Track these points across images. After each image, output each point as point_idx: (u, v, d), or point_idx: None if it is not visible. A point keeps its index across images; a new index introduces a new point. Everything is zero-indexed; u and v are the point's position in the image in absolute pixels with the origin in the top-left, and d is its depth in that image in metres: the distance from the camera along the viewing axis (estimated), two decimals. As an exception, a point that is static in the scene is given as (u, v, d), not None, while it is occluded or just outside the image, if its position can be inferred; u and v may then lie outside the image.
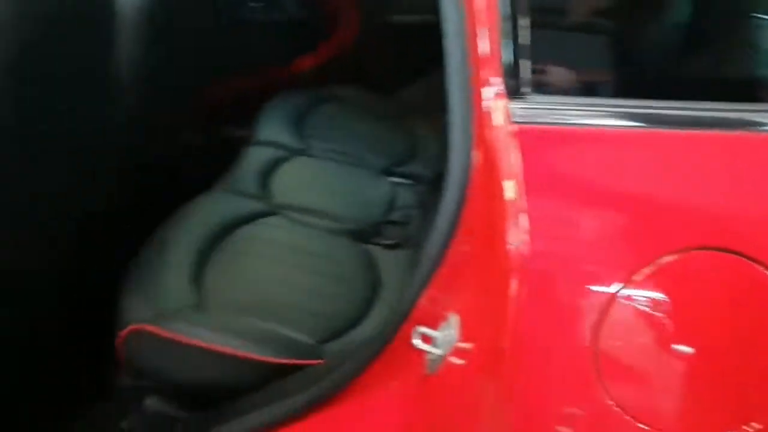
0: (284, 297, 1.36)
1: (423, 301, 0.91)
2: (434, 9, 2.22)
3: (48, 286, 1.38)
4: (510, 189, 0.73)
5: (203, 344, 1.19)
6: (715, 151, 0.78)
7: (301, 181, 1.77)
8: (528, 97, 0.80)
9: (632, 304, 0.69)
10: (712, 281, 0.72)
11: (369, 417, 0.94)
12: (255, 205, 1.61)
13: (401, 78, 2.39)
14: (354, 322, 1.35)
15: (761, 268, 0.71)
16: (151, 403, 1.29)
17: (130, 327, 1.22)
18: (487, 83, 0.82)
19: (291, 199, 1.67)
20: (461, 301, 0.89)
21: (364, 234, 1.63)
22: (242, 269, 1.41)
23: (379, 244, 1.62)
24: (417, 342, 0.87)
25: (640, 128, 0.78)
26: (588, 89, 0.85)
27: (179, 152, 2.03)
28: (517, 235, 0.72)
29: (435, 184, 1.79)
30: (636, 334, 0.69)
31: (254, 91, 2.32)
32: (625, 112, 0.79)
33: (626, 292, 0.69)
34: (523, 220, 0.72)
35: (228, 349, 1.19)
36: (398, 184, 1.83)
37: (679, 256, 0.71)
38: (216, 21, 2.15)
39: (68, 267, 1.43)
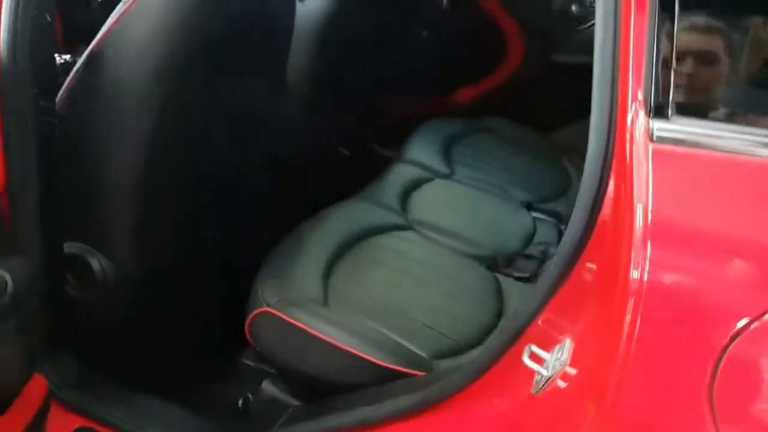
0: (406, 307, 1.38)
1: (539, 322, 0.90)
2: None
3: (204, 276, 1.50)
4: (639, 215, 0.71)
5: (322, 336, 1.23)
6: None
7: (441, 202, 1.79)
8: (672, 117, 0.77)
9: (758, 344, 0.64)
10: None
11: (470, 427, 0.93)
12: (392, 218, 1.65)
13: (559, 117, 2.36)
14: (469, 346, 1.34)
15: None
16: (267, 386, 1.36)
17: (259, 309, 1.29)
18: (631, 99, 0.79)
19: (427, 218, 1.69)
20: (577, 326, 0.87)
21: (496, 262, 1.61)
22: (370, 274, 1.45)
23: (510, 276, 1.59)
24: (527, 361, 0.86)
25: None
26: (736, 114, 0.80)
27: (327, 159, 2.14)
28: (640, 265, 0.69)
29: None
30: (760, 376, 0.63)
31: (411, 116, 2.40)
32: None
33: (752, 331, 0.64)
34: (649, 250, 0.69)
35: (344, 346, 1.22)
36: (540, 219, 1.81)
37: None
38: (381, 45, 2.25)
39: (218, 257, 1.55)
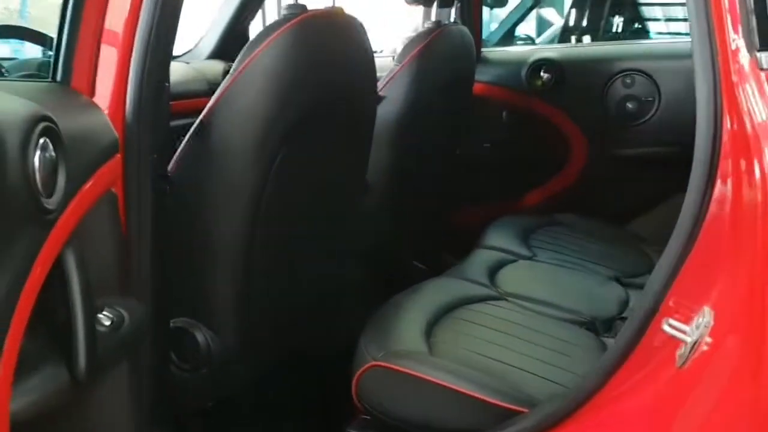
0: (513, 361, 1.34)
1: (671, 296, 0.87)
2: (657, 142, 2.29)
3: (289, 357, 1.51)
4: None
5: (435, 380, 1.20)
6: None
7: (529, 278, 1.78)
8: None
9: None
10: None
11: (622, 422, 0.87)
12: (484, 290, 1.65)
13: (628, 210, 2.38)
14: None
15: None
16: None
17: (365, 365, 1.27)
18: (730, 36, 0.83)
19: (519, 290, 1.68)
20: (716, 293, 0.84)
21: (596, 326, 1.57)
22: (471, 333, 1.42)
23: (612, 338, 1.54)
24: (668, 329, 0.82)
25: None
26: None
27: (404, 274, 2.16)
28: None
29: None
30: None
31: (480, 223, 2.45)
32: None
33: None
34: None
35: (459, 388, 1.18)
36: (632, 287, 1.77)
37: None
38: (450, 156, 2.35)
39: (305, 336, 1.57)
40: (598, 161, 2.38)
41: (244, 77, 1.27)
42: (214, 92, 1.32)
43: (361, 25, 1.51)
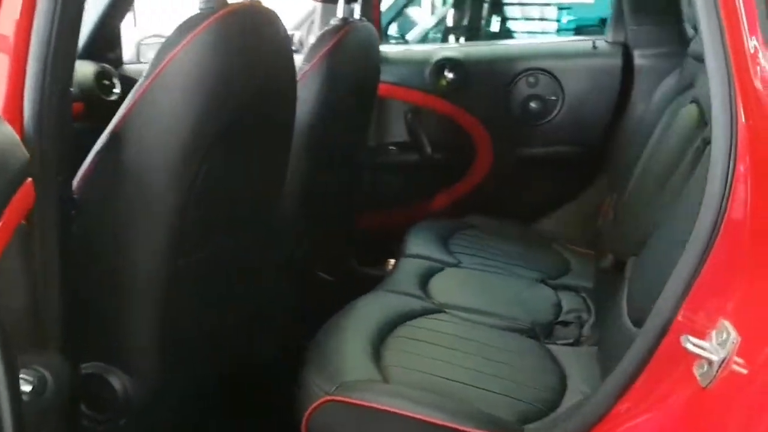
0: (469, 380, 1.25)
1: (684, 310, 0.81)
2: (562, 141, 2.30)
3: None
4: None
5: (399, 411, 1.09)
6: None
7: (461, 286, 1.72)
8: None
9: None
10: None
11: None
12: (420, 303, 1.56)
13: (536, 209, 2.38)
14: (549, 409, 1.22)
15: None
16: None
17: (317, 401, 1.14)
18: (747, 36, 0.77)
19: (454, 300, 1.61)
20: (736, 306, 0.79)
21: (536, 333, 1.53)
22: (420, 353, 1.32)
23: (555, 343, 1.50)
24: (689, 346, 0.76)
25: None
26: None
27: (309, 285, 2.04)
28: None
29: (600, 291, 1.72)
30: None
31: (389, 230, 2.37)
32: None
33: None
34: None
35: (427, 418, 1.08)
36: (561, 290, 1.75)
37: None
38: (358, 157, 2.25)
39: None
40: (503, 161, 2.36)
41: (162, 80, 1.09)
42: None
43: (278, 18, 1.37)
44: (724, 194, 0.77)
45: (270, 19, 1.31)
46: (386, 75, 2.33)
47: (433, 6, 5.22)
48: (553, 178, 2.37)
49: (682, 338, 0.78)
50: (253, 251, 1.47)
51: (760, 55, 0.75)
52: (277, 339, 1.63)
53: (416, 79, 2.38)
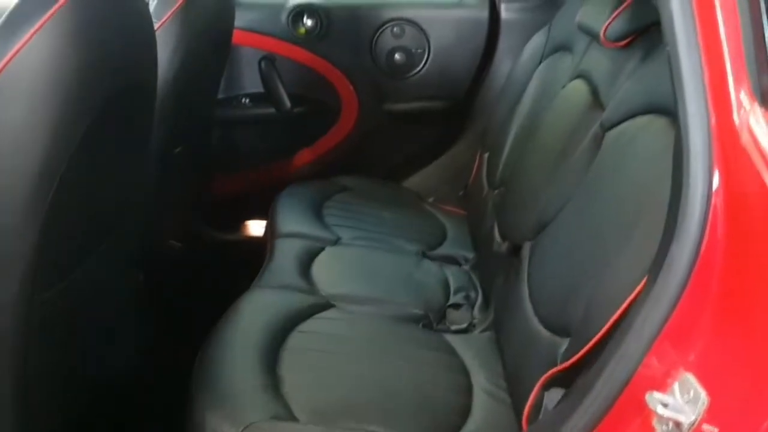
0: (376, 397, 1.17)
1: (649, 357, 0.76)
2: (429, 95, 2.23)
3: None
4: None
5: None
6: None
7: (345, 270, 1.61)
8: None
9: None
10: None
11: None
12: (306, 299, 1.43)
13: (407, 165, 2.30)
14: (461, 416, 1.17)
15: None
16: None
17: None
18: (734, 93, 0.69)
19: (341, 290, 1.50)
20: (697, 357, 0.74)
21: (430, 320, 1.47)
22: (320, 372, 1.21)
23: (448, 330, 1.46)
24: (656, 406, 0.72)
25: None
26: None
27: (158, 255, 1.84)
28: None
29: (482, 263, 1.69)
30: None
31: (256, 187, 2.20)
32: None
33: None
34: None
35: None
36: (446, 266, 1.70)
37: None
38: (210, 114, 2.03)
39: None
40: (369, 115, 2.24)
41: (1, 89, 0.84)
42: None
43: None
44: (701, 236, 0.71)
45: None
46: (238, 20, 2.09)
47: None
48: (420, 133, 2.30)
49: (647, 395, 0.74)
50: (113, 256, 1.26)
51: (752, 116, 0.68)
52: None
53: (272, 25, 2.16)
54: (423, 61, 2.19)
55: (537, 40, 1.94)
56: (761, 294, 0.68)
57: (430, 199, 2.19)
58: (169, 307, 1.72)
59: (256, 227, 2.29)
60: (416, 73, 2.21)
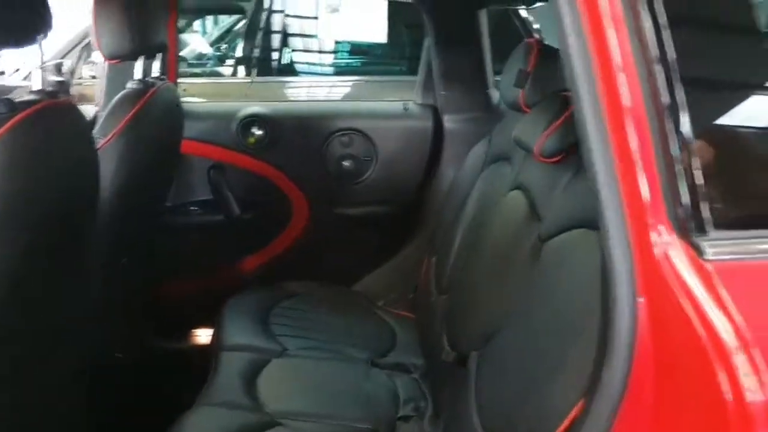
0: None
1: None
2: (377, 200, 2.28)
3: None
4: (725, 330, 0.64)
5: None
6: None
7: (292, 384, 1.58)
8: (711, 230, 0.72)
9: None
10: None
11: None
12: (250, 418, 1.40)
13: (356, 268, 2.32)
14: None
15: None
16: None
17: None
18: (653, 220, 0.73)
19: (288, 407, 1.47)
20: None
21: (380, 434, 1.45)
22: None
23: (399, 445, 1.44)
24: None
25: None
26: None
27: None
28: (754, 379, 0.62)
29: (432, 371, 1.68)
30: None
31: (196, 296, 2.17)
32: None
33: None
34: (756, 361, 0.62)
35: None
36: (392, 375, 1.69)
37: None
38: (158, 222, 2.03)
39: None
40: (320, 220, 2.27)
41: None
42: None
43: (81, 116, 1.14)
44: (630, 362, 0.73)
45: (73, 121, 1.08)
46: (190, 131, 2.13)
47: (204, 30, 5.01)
48: (370, 237, 2.33)
49: None
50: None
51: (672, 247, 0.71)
52: None
53: (222, 135, 2.21)
54: (371, 168, 2.25)
55: (479, 149, 2.01)
56: (688, 421, 0.69)
57: (381, 303, 2.19)
58: (113, 427, 1.66)
59: (204, 335, 2.25)
60: (365, 180, 2.26)
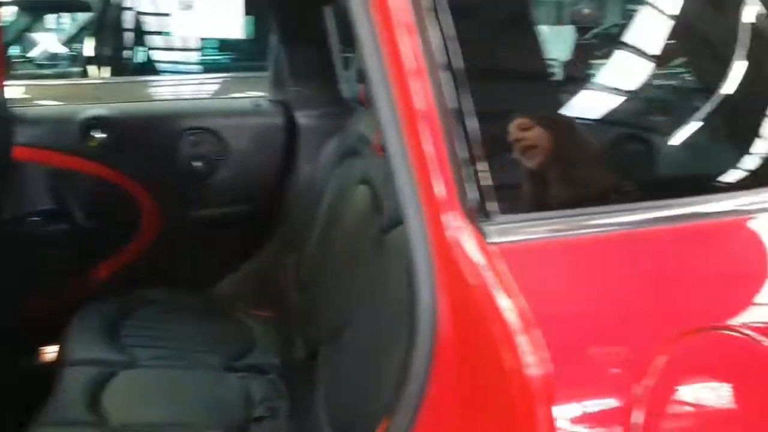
0: None
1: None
2: (231, 201, 2.24)
3: None
4: (509, 311, 0.67)
5: None
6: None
7: (139, 395, 1.52)
8: (497, 216, 0.76)
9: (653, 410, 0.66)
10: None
11: None
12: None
13: (213, 271, 2.26)
14: None
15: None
16: None
17: None
18: (445, 210, 0.76)
19: (134, 418, 1.42)
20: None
21: (230, 439, 1.42)
22: None
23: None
24: None
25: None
26: (558, 202, 0.82)
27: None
28: (534, 356, 0.65)
29: (287, 369, 1.67)
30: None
31: (52, 309, 2.05)
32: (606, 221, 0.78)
33: (643, 401, 0.66)
34: (536, 338, 0.66)
35: None
36: (247, 377, 1.66)
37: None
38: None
39: None
40: (172, 225, 2.19)
41: None
42: None
43: None
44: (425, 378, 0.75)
45: None
46: (24, 136, 2.00)
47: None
48: (228, 239, 2.28)
49: None
50: None
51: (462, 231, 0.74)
52: None
53: (62, 140, 2.08)
54: (224, 168, 2.20)
55: (332, 144, 2.02)
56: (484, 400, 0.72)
57: (241, 306, 2.15)
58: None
59: (54, 352, 2.12)
60: (218, 180, 2.21)
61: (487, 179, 0.76)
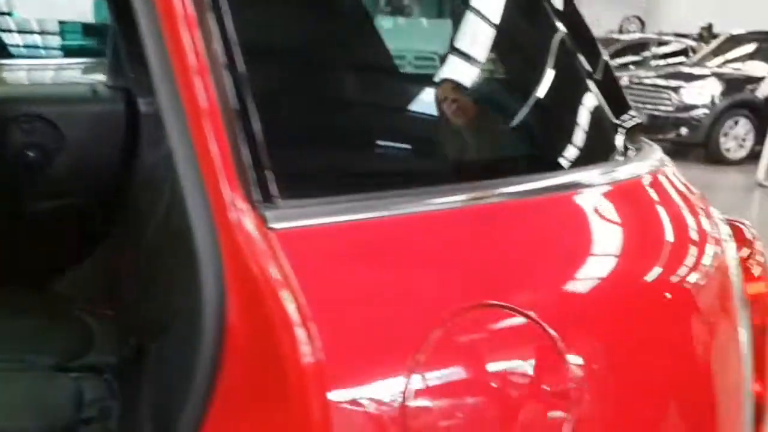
0: None
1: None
2: (78, 191, 2.12)
3: None
4: (286, 298, 0.67)
5: None
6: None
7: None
8: (278, 201, 0.75)
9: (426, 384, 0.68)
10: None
11: None
12: None
13: (54, 268, 2.14)
14: None
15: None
16: None
17: None
18: (228, 195, 0.74)
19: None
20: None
21: (56, 443, 1.35)
22: None
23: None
24: None
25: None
26: (342, 185, 0.82)
27: None
28: (309, 345, 0.65)
29: (124, 370, 1.60)
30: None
31: None
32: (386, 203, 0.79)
33: (417, 375, 0.68)
34: (311, 328, 0.66)
35: None
36: (81, 378, 1.58)
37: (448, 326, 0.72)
38: None
39: None
40: (7, 218, 2.05)
41: None
42: None
43: None
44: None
45: None
46: None
47: None
48: (68, 232, 2.15)
49: None
50: None
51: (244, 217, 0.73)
52: None
53: None
54: (59, 158, 2.08)
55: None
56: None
57: (81, 303, 2.04)
58: None
59: None
60: (53, 171, 2.08)
61: (269, 164, 0.75)
